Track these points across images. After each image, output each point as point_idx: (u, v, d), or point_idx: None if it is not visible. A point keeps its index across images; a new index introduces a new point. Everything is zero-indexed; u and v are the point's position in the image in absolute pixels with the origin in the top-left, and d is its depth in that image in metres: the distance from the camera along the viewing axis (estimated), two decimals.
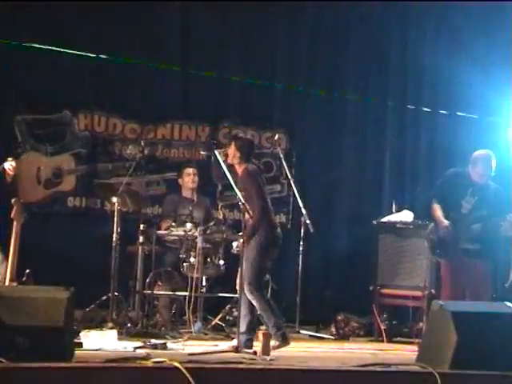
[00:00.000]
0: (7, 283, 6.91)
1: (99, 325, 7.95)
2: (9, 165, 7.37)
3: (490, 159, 7.85)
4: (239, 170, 7.82)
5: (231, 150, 7.87)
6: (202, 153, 8.94)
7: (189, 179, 9.48)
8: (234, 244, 8.25)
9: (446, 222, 7.78)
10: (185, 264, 8.75)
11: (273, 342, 7.49)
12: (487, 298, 7.77)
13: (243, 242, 7.60)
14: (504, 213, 7.73)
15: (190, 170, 9.50)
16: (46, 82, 9.73)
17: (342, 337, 8.98)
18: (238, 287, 7.61)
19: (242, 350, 6.92)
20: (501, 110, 9.90)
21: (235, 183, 7.68)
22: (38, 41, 9.49)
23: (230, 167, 7.74)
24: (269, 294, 8.61)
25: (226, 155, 7.91)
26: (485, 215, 7.71)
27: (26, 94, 9.76)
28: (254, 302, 7.52)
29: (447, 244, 7.81)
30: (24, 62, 9.66)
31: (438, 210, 7.90)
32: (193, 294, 8.54)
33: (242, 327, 7.32)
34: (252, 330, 7.45)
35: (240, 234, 7.93)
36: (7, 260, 7.01)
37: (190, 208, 9.12)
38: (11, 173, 7.39)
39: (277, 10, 10.44)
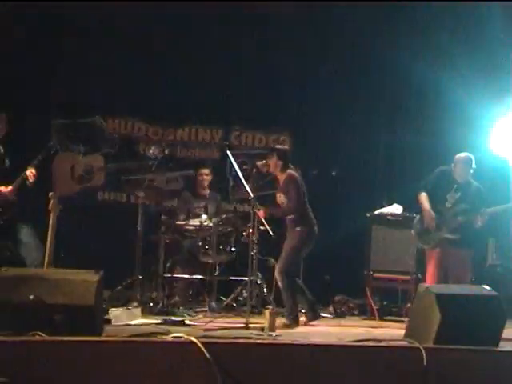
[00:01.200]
0: (45, 267, 6.92)
1: (125, 304, 7.96)
2: (29, 172, 7.36)
3: (468, 162, 7.85)
4: (281, 176, 7.89)
5: (273, 160, 7.94)
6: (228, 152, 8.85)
7: (203, 178, 9.51)
8: (244, 233, 8.29)
9: (433, 214, 7.77)
10: (201, 251, 8.78)
11: (284, 320, 7.55)
12: (467, 282, 7.76)
13: (252, 232, 7.66)
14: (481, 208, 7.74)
15: (205, 171, 9.53)
16: (79, 91, 9.76)
17: (339, 315, 9.00)
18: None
19: (250, 327, 6.93)
20: (481, 116, 9.85)
21: (277, 189, 7.79)
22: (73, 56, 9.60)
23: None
24: (273, 278, 8.66)
25: (268, 165, 7.98)
26: (466, 209, 7.70)
27: (62, 101, 9.78)
28: (280, 283, 7.61)
29: (432, 233, 7.81)
30: (60, 72, 9.69)
31: (425, 202, 7.88)
32: (207, 278, 8.57)
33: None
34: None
35: (249, 224, 7.97)
36: (45, 246, 7.02)
37: (205, 202, 9.20)
38: (31, 179, 7.38)
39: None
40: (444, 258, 7.71)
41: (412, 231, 8.12)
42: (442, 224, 7.74)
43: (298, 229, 7.83)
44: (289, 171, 7.98)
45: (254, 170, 8.20)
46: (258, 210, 7.83)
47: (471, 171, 7.86)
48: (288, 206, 7.84)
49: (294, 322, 7.55)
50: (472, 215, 7.72)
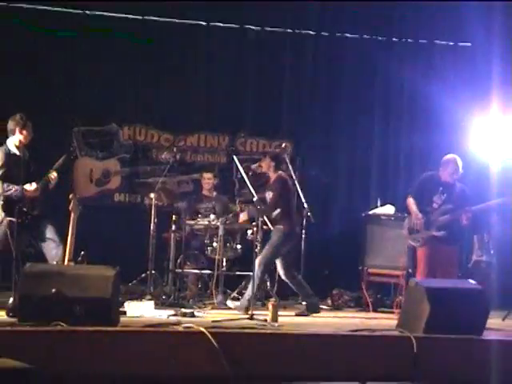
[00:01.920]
0: (66, 263, 6.93)
1: (139, 297, 7.94)
2: (52, 175, 7.38)
3: (457, 162, 7.84)
4: (273, 176, 7.93)
5: (266, 162, 7.99)
6: (234, 157, 8.82)
7: (206, 181, 9.52)
8: (249, 232, 8.30)
9: (420, 215, 7.77)
10: (209, 248, 8.80)
11: (238, 303, 7.71)
12: (455, 277, 7.76)
13: (256, 231, 7.68)
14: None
15: (208, 175, 9.54)
16: (97, 101, 9.78)
17: (336, 307, 8.96)
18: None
19: (255, 318, 6.94)
20: (466, 120, 9.86)
21: (267, 187, 7.82)
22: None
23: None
24: (276, 273, 8.67)
25: (261, 166, 8.04)
26: (451, 209, 7.69)
27: (81, 110, 9.81)
28: (255, 272, 7.61)
29: (420, 232, 7.80)
30: (80, 84, 9.72)
31: (413, 205, 7.89)
32: (215, 272, 8.57)
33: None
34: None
35: (253, 223, 7.99)
36: (65, 244, 7.03)
37: (214, 203, 9.22)
38: (53, 182, 7.40)
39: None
40: (432, 254, 7.70)
41: (403, 231, 8.11)
42: (430, 223, 7.73)
43: (279, 227, 7.86)
44: (279, 172, 8.03)
45: (250, 173, 8.27)
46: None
47: (459, 172, 7.84)
48: (268, 205, 7.86)
49: (244, 311, 7.53)
50: (457, 214, 7.72)
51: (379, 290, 9.16)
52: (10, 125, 7.29)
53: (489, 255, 9.65)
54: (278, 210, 7.88)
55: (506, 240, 9.13)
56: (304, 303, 8.08)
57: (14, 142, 7.28)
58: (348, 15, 10.45)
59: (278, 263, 7.99)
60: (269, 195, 8.03)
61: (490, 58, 9.79)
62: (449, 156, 7.91)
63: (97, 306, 5.44)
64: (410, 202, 7.92)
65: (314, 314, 7.96)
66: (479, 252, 9.71)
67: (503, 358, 5.47)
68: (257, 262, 7.78)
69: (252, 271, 7.70)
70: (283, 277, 8.09)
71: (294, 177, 9.19)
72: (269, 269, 7.85)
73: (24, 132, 7.27)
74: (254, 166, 8.27)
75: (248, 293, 7.74)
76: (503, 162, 9.44)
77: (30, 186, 7.16)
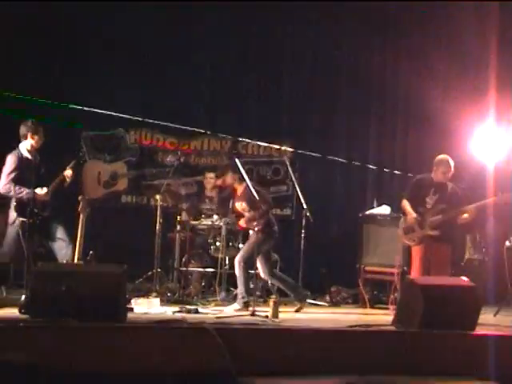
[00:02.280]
0: (75, 262, 6.95)
1: (146, 294, 7.94)
2: (67, 173, 7.41)
3: (449, 162, 7.81)
4: (240, 186, 7.90)
5: (228, 176, 7.98)
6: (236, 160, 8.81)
7: (208, 181, 9.52)
8: (251, 232, 8.26)
9: (414, 214, 7.77)
10: (212, 247, 8.80)
11: (236, 305, 7.55)
12: (448, 274, 7.76)
13: (257, 231, 7.67)
14: (458, 206, 7.73)
15: (210, 175, 9.51)
16: (104, 107, 9.78)
17: (334, 304, 8.95)
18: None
19: (256, 314, 6.95)
20: (461, 124, 9.86)
21: (238, 198, 7.82)
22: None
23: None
24: (277, 270, 8.69)
25: (225, 181, 8.03)
26: (444, 208, 7.68)
27: (89, 116, 9.81)
28: (236, 270, 7.66)
29: (415, 232, 7.79)
30: (87, 92, 9.74)
31: (407, 206, 7.88)
32: (218, 271, 8.58)
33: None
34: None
35: (254, 224, 7.98)
36: (75, 244, 7.04)
37: (217, 204, 9.21)
38: (68, 180, 7.43)
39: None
40: (427, 252, 7.68)
41: (398, 231, 8.11)
42: (424, 223, 7.72)
43: (260, 227, 7.82)
44: (245, 182, 7.88)
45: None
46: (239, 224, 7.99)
47: (451, 172, 7.82)
48: (263, 218, 7.83)
49: (244, 307, 7.52)
50: (449, 213, 7.68)
51: (376, 287, 9.15)
52: (22, 130, 7.33)
53: (480, 253, 9.65)
54: (262, 218, 7.83)
55: (497, 239, 9.12)
56: (292, 296, 8.06)
57: (25, 146, 7.32)
58: (346, 18, 10.44)
59: (259, 263, 7.89)
60: (242, 205, 8.00)
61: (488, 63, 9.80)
62: (441, 156, 7.89)
63: (105, 303, 5.44)
64: (405, 203, 7.91)
65: (313, 310, 7.96)
66: (472, 251, 9.72)
67: (494, 352, 5.48)
68: (236, 261, 7.79)
69: (254, 270, 7.72)
70: (264, 276, 8.01)
71: (293, 179, 9.21)
72: (248, 265, 7.81)
73: (35, 137, 7.31)
74: (218, 182, 8.25)
75: (239, 291, 7.74)
76: (498, 164, 9.46)
77: (41, 190, 7.19)
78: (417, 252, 7.76)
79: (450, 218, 7.65)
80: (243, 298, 7.63)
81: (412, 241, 7.83)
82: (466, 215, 7.62)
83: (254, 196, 7.62)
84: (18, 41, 9.37)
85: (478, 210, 7.63)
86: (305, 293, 8.20)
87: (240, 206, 8.03)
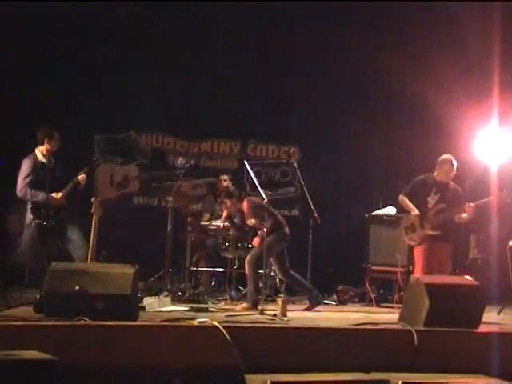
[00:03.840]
0: (89, 262, 6.96)
1: (157, 293, 7.97)
2: (81, 177, 7.43)
3: (452, 162, 7.78)
4: (242, 205, 7.97)
5: (227, 201, 8.02)
6: (245, 162, 8.80)
7: (221, 184, 9.52)
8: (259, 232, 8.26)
9: (417, 211, 7.72)
10: (222, 247, 8.81)
11: (245, 304, 7.54)
12: (448, 272, 7.73)
13: (266, 232, 7.67)
14: (458, 205, 7.68)
15: (224, 177, 9.53)
16: (117, 111, 9.82)
17: (342, 303, 8.93)
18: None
19: (265, 313, 6.94)
20: (465, 126, 9.84)
21: (247, 216, 7.95)
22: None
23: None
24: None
25: (228, 208, 8.08)
26: (445, 208, 7.65)
27: (102, 120, 9.85)
28: (247, 270, 7.67)
29: (416, 231, 7.75)
30: (100, 95, 9.77)
31: (407, 202, 7.80)
32: (228, 270, 8.59)
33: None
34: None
35: (263, 223, 7.97)
36: (88, 244, 7.06)
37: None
38: (82, 184, 7.46)
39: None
40: (429, 252, 7.64)
41: (399, 230, 8.05)
42: (425, 222, 7.69)
43: (267, 230, 7.81)
44: (246, 199, 8.08)
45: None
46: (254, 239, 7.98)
47: (453, 173, 7.79)
48: (271, 221, 7.83)
49: (253, 306, 7.50)
50: (450, 213, 7.65)
51: (382, 286, 9.15)
52: (39, 135, 7.38)
53: (485, 253, 9.62)
54: (270, 222, 7.84)
55: (500, 238, 9.09)
56: (307, 297, 8.06)
57: (41, 150, 7.36)
58: (351, 21, 10.43)
59: (274, 265, 7.98)
60: (251, 222, 8.05)
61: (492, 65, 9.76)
62: (444, 156, 7.85)
63: (117, 301, 5.46)
64: (403, 199, 7.85)
65: (321, 309, 7.96)
66: (475, 250, 9.69)
67: (498, 350, 5.46)
68: (246, 260, 7.79)
69: (263, 269, 7.73)
70: (281, 277, 8.13)
71: (301, 180, 9.21)
72: (257, 265, 7.82)
73: (51, 142, 7.36)
74: (225, 214, 8.28)
75: (249, 290, 7.73)
76: (501, 165, 9.44)
77: (57, 195, 7.23)
78: (419, 252, 7.73)
79: (450, 217, 7.62)
80: (252, 296, 7.63)
81: (413, 241, 7.79)
82: (464, 214, 7.59)
83: (259, 207, 7.74)
84: (27, 44, 9.40)
85: (477, 208, 7.59)
86: (320, 298, 8.15)
87: (250, 223, 8.06)
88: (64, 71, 9.67)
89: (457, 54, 10.27)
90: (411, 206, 7.78)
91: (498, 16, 9.72)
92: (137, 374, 5.01)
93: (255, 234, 8.46)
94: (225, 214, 8.28)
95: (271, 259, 8.00)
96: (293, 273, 8.12)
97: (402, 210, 8.23)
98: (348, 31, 10.43)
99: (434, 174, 7.81)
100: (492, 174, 9.34)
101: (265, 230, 7.62)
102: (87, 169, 7.48)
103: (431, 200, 7.72)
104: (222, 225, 8.70)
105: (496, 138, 9.64)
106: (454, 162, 7.75)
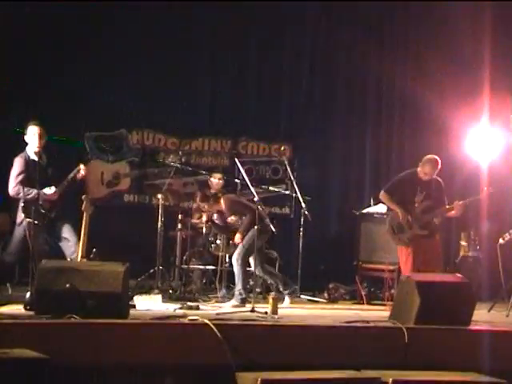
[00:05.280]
0: (79, 259, 6.95)
1: (148, 291, 7.94)
2: (81, 169, 7.43)
3: (435, 162, 7.77)
4: (222, 203, 8.05)
5: (206, 206, 8.15)
6: (236, 160, 8.77)
7: (216, 183, 9.50)
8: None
9: (403, 211, 7.67)
10: (212, 245, 8.80)
11: (234, 301, 7.55)
12: (441, 266, 7.74)
13: (257, 230, 7.65)
14: (443, 201, 7.70)
15: (218, 175, 9.52)
16: (107, 108, 9.80)
17: (332, 300, 8.93)
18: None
19: (256, 310, 6.95)
20: (456, 124, 9.87)
21: (227, 213, 7.99)
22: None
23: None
24: (276, 269, 8.69)
25: (207, 212, 8.19)
26: (430, 206, 7.63)
27: (92, 117, 9.82)
28: (236, 268, 7.69)
29: (405, 232, 7.73)
30: (91, 92, 9.74)
31: (390, 201, 7.79)
32: (219, 268, 8.58)
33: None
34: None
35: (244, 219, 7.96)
36: (79, 242, 7.05)
37: None
38: (83, 173, 7.44)
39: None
40: (418, 251, 7.61)
41: (386, 227, 8.03)
42: (413, 223, 7.67)
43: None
44: (222, 198, 8.11)
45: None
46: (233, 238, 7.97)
47: (434, 173, 7.78)
48: (247, 217, 7.85)
49: (241, 303, 7.55)
50: (436, 212, 7.66)
51: (372, 283, 9.15)
52: (29, 133, 7.35)
53: (475, 251, 9.66)
54: (249, 216, 7.85)
55: (491, 236, 9.12)
56: (282, 289, 8.05)
57: (32, 149, 7.33)
58: (342, 20, 10.43)
59: (255, 261, 7.92)
60: (232, 219, 8.12)
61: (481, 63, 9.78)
62: (429, 156, 7.84)
63: (108, 299, 5.46)
64: (386, 197, 7.82)
65: (312, 306, 7.96)
66: (466, 248, 9.72)
67: (488, 347, 5.48)
68: (233, 258, 7.80)
69: (253, 268, 7.73)
70: (259, 273, 8.05)
71: (292, 178, 9.22)
72: (246, 262, 7.84)
73: (41, 141, 7.33)
74: (205, 219, 8.37)
75: (237, 288, 7.75)
76: (492, 163, 9.47)
77: (50, 190, 7.22)
78: (407, 252, 7.70)
79: (436, 216, 7.64)
80: (240, 294, 7.64)
81: (402, 242, 7.76)
82: (453, 212, 7.63)
83: (235, 202, 7.91)
84: (16, 42, 9.36)
85: (464, 206, 7.63)
86: (294, 286, 8.21)
87: (231, 220, 8.07)
88: (54, 69, 9.62)
89: (448, 53, 10.30)
90: (395, 205, 7.76)
91: (489, 15, 9.75)
92: (128, 372, 5.00)
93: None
94: (205, 218, 8.30)
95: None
96: (266, 266, 8.13)
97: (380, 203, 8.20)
98: (340, 30, 10.44)
99: (418, 169, 7.78)
100: (482, 171, 9.38)
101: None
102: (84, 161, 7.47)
103: (418, 199, 7.70)
104: (204, 228, 8.71)
105: (486, 135, 9.66)
106: (438, 163, 7.72)
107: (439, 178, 7.82)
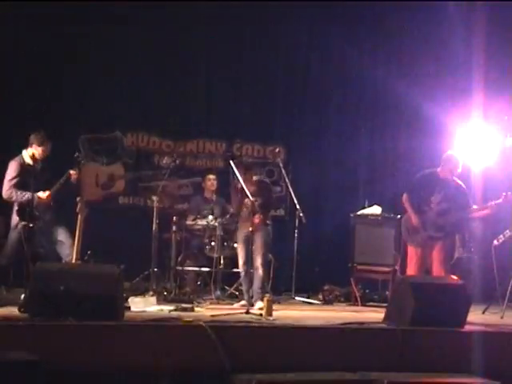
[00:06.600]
0: (74, 261, 6.94)
1: (143, 293, 7.93)
2: (72, 172, 7.43)
3: (457, 158, 7.67)
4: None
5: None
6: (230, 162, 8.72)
7: (210, 183, 9.51)
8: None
9: (418, 219, 7.60)
10: (207, 247, 8.81)
11: (260, 303, 7.45)
12: (448, 269, 7.69)
13: (252, 231, 7.62)
14: (463, 206, 7.62)
15: (212, 176, 9.53)
16: (102, 110, 9.79)
17: (327, 302, 8.93)
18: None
19: (251, 312, 6.94)
20: (447, 126, 9.89)
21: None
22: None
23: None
24: (271, 270, 8.68)
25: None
26: (447, 208, 7.58)
27: (87, 118, 9.81)
28: (262, 273, 7.61)
29: (419, 233, 7.69)
30: (86, 94, 9.73)
31: (408, 204, 7.69)
32: (213, 270, 8.57)
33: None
34: None
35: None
36: (73, 244, 7.04)
37: (212, 205, 9.23)
38: (74, 177, 7.45)
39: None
40: (426, 253, 7.58)
41: (390, 229, 8.02)
42: (427, 223, 7.62)
43: (266, 227, 7.83)
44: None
45: None
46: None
47: (458, 169, 7.67)
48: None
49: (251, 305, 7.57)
50: (453, 215, 7.60)
51: (367, 285, 9.16)
52: (31, 138, 7.39)
53: (469, 252, 9.67)
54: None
55: (485, 238, 9.13)
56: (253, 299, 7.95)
57: (28, 153, 7.35)
58: (336, 22, 10.44)
59: (254, 260, 7.79)
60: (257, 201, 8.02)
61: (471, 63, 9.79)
62: (449, 153, 7.78)
63: (102, 301, 5.44)
64: (407, 201, 7.71)
65: (307, 308, 7.95)
66: (461, 250, 9.72)
67: (483, 349, 5.49)
68: (259, 264, 7.71)
69: (251, 271, 7.73)
70: (244, 273, 7.91)
71: (287, 180, 9.22)
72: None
73: (40, 149, 7.37)
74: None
75: (257, 290, 7.68)
76: (484, 166, 9.47)
77: (44, 194, 7.22)
78: (416, 253, 7.66)
79: (453, 219, 7.56)
80: (258, 294, 7.60)
81: (416, 243, 7.71)
82: (485, 211, 7.56)
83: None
84: (18, 42, 9.36)
85: (498, 206, 7.49)
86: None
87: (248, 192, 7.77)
88: (50, 72, 9.62)
89: (441, 53, 10.33)
90: (413, 210, 7.66)
91: (480, 14, 9.77)
92: (122, 374, 5.00)
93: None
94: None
95: (244, 252, 7.87)
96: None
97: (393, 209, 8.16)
98: (333, 31, 10.44)
99: (439, 169, 7.70)
100: (474, 176, 9.38)
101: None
102: (77, 166, 7.48)
103: (434, 199, 7.60)
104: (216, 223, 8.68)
105: (479, 136, 9.68)
106: (460, 159, 7.66)
107: (459, 181, 7.73)
